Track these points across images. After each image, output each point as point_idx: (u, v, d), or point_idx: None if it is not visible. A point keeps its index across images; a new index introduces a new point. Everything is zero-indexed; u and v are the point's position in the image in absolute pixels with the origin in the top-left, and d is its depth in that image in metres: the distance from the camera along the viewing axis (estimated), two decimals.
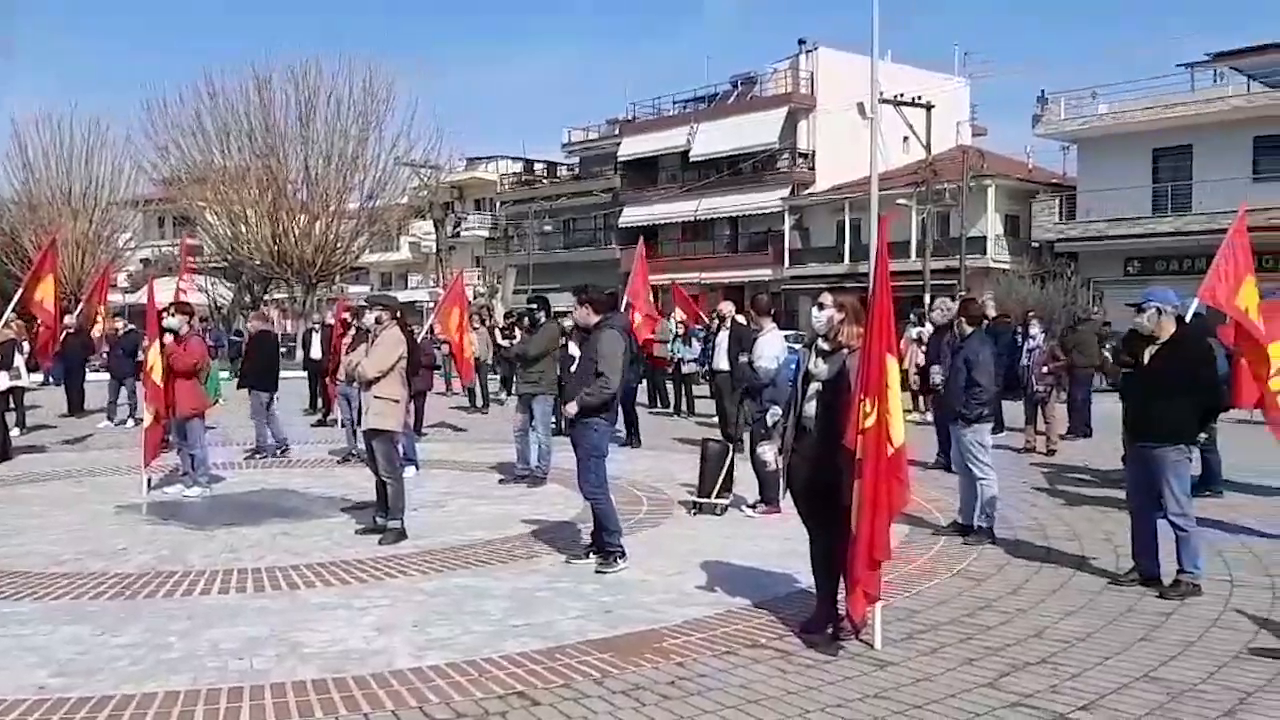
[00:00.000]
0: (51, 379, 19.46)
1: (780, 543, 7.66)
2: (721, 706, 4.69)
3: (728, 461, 9.30)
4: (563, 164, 62.63)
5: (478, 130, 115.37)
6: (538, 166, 64.57)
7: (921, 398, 15.71)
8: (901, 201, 34.78)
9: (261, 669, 5.17)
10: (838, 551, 5.50)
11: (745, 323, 12.44)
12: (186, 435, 10.22)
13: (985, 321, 9.49)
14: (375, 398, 8.17)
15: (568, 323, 9.02)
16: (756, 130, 44.88)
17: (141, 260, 49.32)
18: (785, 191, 44.95)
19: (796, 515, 5.94)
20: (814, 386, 5.73)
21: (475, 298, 37.54)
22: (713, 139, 46.47)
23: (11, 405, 14.41)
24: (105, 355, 17.74)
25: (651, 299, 17.00)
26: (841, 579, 5.58)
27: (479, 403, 19.64)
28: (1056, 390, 14.25)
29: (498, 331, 19.81)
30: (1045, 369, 13.82)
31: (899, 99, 34.64)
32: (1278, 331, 8.22)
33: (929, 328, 13.33)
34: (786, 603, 6.29)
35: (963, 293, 26.83)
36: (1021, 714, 4.60)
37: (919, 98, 35.38)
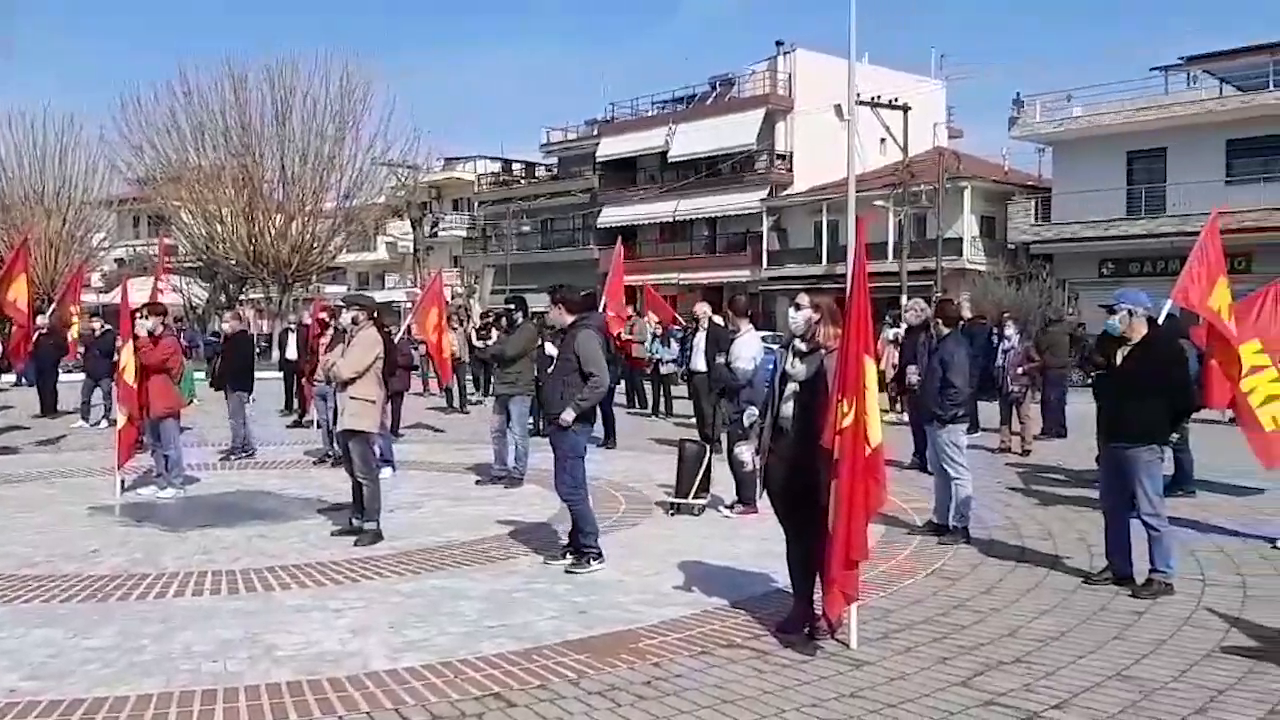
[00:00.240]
0: (24, 379, 19.29)
1: (757, 543, 7.67)
2: (697, 706, 4.69)
3: (705, 462, 9.31)
4: (541, 164, 62.49)
5: (456, 130, 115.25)
6: (516, 167, 64.41)
7: (900, 398, 15.77)
8: (879, 203, 34.91)
9: (235, 671, 5.14)
10: (814, 551, 5.52)
11: (723, 324, 12.47)
12: (160, 436, 10.14)
13: (961, 322, 9.54)
14: (351, 398, 8.14)
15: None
16: (735, 131, 44.97)
17: (116, 260, 48.98)
18: (763, 193, 45.08)
19: (773, 515, 5.96)
20: (791, 387, 5.74)
21: (453, 298, 37.37)
22: (691, 140, 46.55)
23: None
24: (81, 355, 17.59)
25: (623, 301, 17.03)
26: (818, 578, 5.60)
27: (457, 403, 19.60)
28: (1031, 391, 14.35)
29: (473, 332, 19.77)
30: (1020, 370, 13.92)
31: (876, 101, 34.78)
32: (1249, 333, 8.30)
33: (904, 328, 13.38)
34: (763, 602, 6.30)
35: (939, 294, 26.96)
36: (995, 712, 4.63)
37: (896, 100, 35.54)
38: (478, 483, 11.10)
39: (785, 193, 45.04)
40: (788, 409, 5.71)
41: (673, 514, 9.21)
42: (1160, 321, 7.21)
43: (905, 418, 13.30)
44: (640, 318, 20.16)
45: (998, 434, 13.94)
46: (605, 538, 7.58)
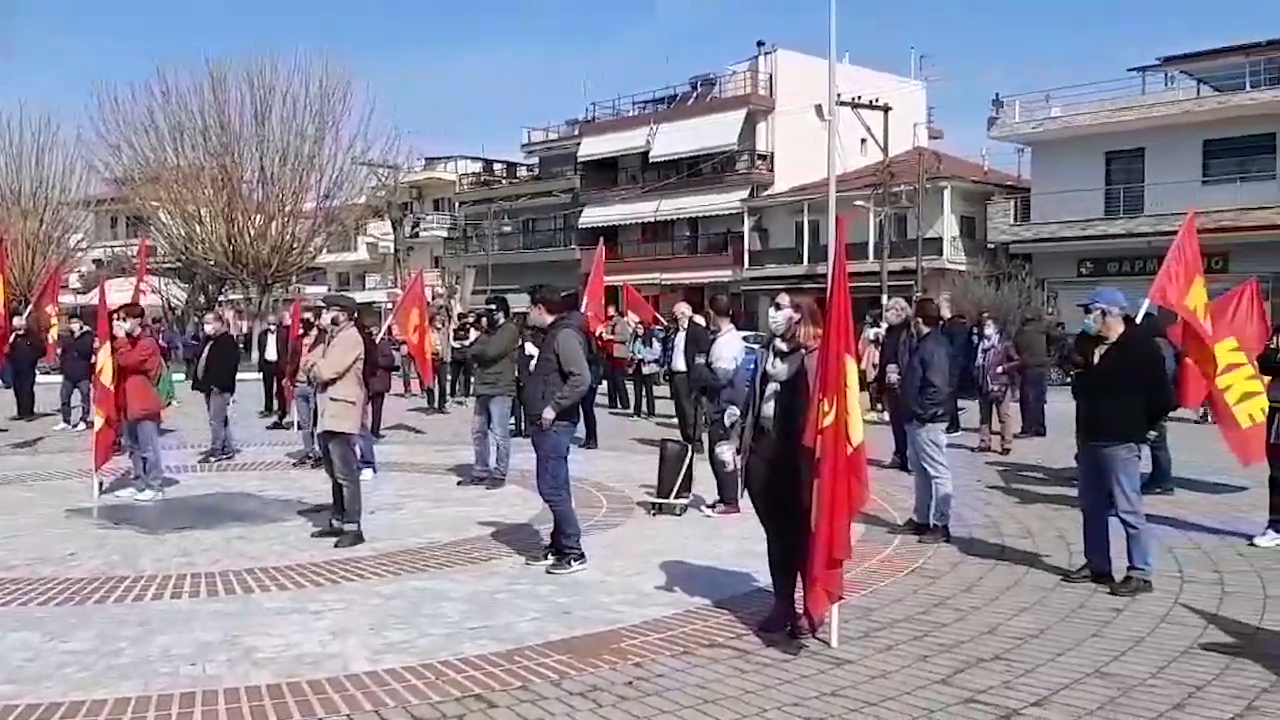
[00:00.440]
0: (1, 381, 19.11)
1: (738, 543, 7.68)
2: (679, 706, 4.70)
3: (686, 462, 9.32)
4: (522, 164, 62.44)
5: (436, 130, 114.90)
6: (497, 167, 64.32)
7: (881, 398, 15.83)
8: (859, 203, 35.01)
9: (214, 674, 5.10)
10: (796, 551, 5.53)
11: (704, 323, 12.48)
12: (138, 438, 10.07)
13: (941, 322, 9.59)
14: (331, 399, 8.10)
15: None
16: (716, 131, 45.02)
17: (94, 261, 48.58)
18: (744, 193, 45.15)
19: (755, 515, 5.97)
20: (772, 387, 5.76)
21: (434, 298, 37.31)
22: (672, 140, 46.58)
23: None
24: (59, 357, 17.44)
25: (604, 301, 17.01)
26: (799, 577, 5.61)
27: (437, 403, 19.55)
28: (1011, 390, 14.42)
29: (451, 333, 19.74)
30: (1000, 369, 13.98)
31: (857, 101, 34.88)
32: (1225, 331, 8.36)
33: (885, 328, 13.43)
34: (744, 602, 6.31)
35: (919, 293, 27.07)
36: (975, 710, 4.65)
37: (876, 100, 35.65)
38: (459, 484, 11.07)
39: (766, 193, 45.14)
40: (769, 409, 5.73)
41: (655, 514, 9.22)
42: (1138, 320, 7.26)
43: (886, 417, 13.35)
44: (621, 317, 20.15)
45: (978, 433, 14.00)
46: (587, 538, 7.57)
